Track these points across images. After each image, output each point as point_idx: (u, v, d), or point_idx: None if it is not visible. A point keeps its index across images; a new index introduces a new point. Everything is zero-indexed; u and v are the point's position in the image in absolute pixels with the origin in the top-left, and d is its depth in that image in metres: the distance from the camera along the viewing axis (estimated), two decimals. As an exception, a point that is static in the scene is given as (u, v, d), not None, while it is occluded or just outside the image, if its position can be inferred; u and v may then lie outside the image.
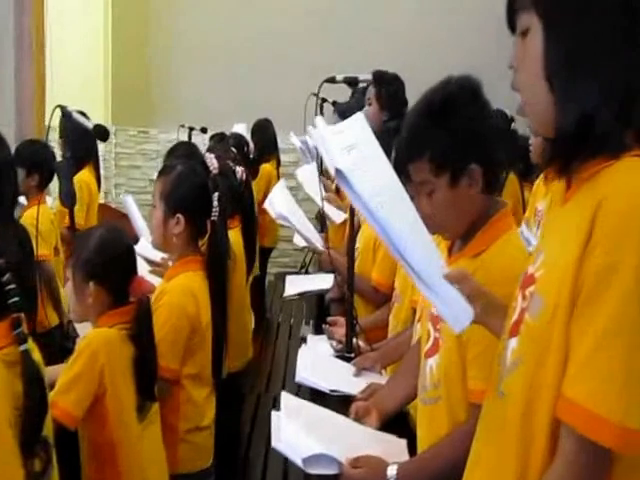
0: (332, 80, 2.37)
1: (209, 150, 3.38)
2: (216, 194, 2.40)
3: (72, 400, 1.82)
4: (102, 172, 7.13)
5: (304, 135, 4.29)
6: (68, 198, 2.33)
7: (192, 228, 2.30)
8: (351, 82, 2.34)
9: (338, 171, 1.15)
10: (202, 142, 4.65)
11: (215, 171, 2.55)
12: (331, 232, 3.74)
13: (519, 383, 1.05)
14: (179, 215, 2.25)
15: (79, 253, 1.96)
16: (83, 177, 4.11)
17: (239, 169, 3.27)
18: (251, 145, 4.64)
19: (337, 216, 3.67)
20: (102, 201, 5.33)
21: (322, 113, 3.51)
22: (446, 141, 1.51)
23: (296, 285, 3.46)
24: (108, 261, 1.97)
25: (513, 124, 4.02)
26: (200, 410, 2.30)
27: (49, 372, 2.06)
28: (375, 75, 2.31)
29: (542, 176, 3.49)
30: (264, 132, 5.38)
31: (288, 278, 3.65)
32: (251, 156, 4.59)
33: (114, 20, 7.00)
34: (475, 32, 6.35)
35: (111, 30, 7.01)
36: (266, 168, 5.37)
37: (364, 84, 2.33)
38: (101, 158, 6.98)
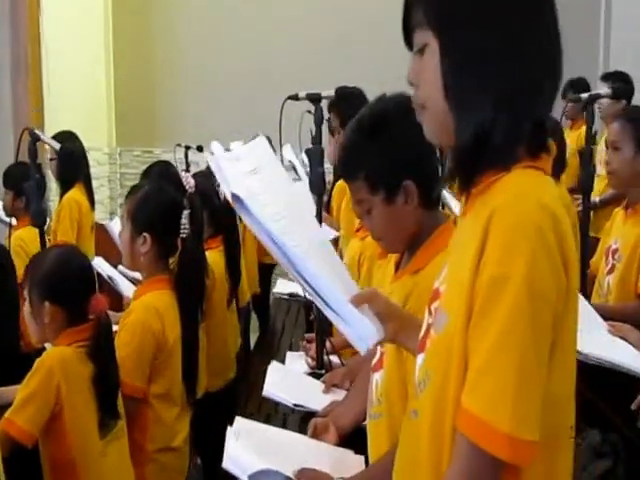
0: (295, 97, 2.38)
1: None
2: (186, 212, 2.41)
3: (26, 418, 1.84)
4: (108, 193, 7.32)
5: (301, 153, 4.30)
6: (38, 217, 2.36)
7: (159, 247, 2.31)
8: (313, 99, 2.34)
9: (234, 196, 1.15)
10: (204, 160, 4.68)
11: (191, 190, 2.57)
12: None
13: (428, 401, 1.04)
14: (145, 234, 2.27)
15: (34, 273, 1.98)
16: (73, 196, 4.15)
17: (222, 190, 3.29)
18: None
19: (329, 233, 3.68)
20: (106, 221, 5.36)
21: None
22: (378, 159, 1.50)
23: (287, 286, 3.49)
24: (63, 280, 1.99)
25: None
26: (170, 430, 2.29)
27: (6, 392, 2.10)
28: (337, 91, 2.32)
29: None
30: None
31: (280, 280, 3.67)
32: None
33: (115, 42, 7.08)
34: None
35: (112, 52, 7.09)
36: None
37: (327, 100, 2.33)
38: (106, 179, 7.11)
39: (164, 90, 7.02)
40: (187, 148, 4.97)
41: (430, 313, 1.08)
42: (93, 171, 6.81)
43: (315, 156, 2.39)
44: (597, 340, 2.01)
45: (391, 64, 6.13)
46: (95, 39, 6.95)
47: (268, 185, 1.30)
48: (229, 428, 1.73)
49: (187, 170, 4.68)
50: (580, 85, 4.70)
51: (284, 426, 2.02)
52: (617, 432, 1.89)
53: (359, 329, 1.17)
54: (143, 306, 2.22)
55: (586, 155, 2.36)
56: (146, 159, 7.10)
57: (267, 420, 2.09)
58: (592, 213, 4.21)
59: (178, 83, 6.99)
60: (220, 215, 3.12)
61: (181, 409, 2.35)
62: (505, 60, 0.99)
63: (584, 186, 2.37)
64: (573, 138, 4.69)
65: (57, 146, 2.50)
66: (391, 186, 1.51)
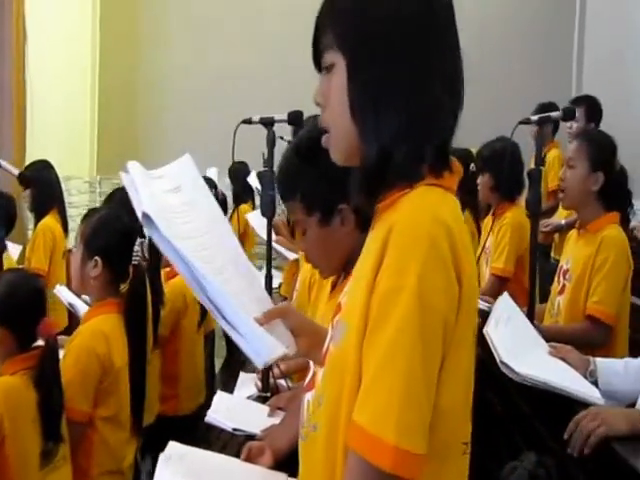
0: (249, 121, 2.40)
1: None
2: (141, 240, 2.44)
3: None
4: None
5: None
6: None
7: (110, 272, 2.32)
8: (266, 123, 2.36)
9: (145, 216, 1.16)
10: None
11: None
12: (286, 271, 3.78)
13: (323, 415, 1.05)
14: (97, 258, 2.29)
15: None
16: (47, 222, 4.23)
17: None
18: (219, 189, 4.73)
19: (289, 254, 3.75)
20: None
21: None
22: (314, 182, 1.52)
23: None
24: (12, 305, 2.03)
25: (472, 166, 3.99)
26: (116, 454, 2.28)
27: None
28: (289, 115, 2.34)
29: (491, 213, 3.51)
30: (239, 175, 5.46)
31: None
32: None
33: (100, 70, 7.16)
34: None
35: (97, 81, 7.16)
36: (244, 209, 5.44)
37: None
38: (86, 207, 7.15)
39: (146, 119, 7.07)
40: (161, 175, 5.04)
41: (332, 327, 1.10)
42: (73, 199, 6.89)
43: (266, 179, 2.41)
44: (535, 361, 2.01)
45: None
46: (78, 68, 7.03)
47: (190, 202, 1.31)
48: (161, 454, 1.73)
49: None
50: (550, 109, 4.75)
51: (223, 450, 2.01)
52: (553, 456, 1.88)
53: (256, 345, 1.18)
54: (89, 330, 2.23)
55: (534, 177, 2.37)
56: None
57: (208, 445, 2.08)
58: (558, 236, 4.27)
59: (160, 112, 7.05)
60: None
61: (130, 434, 2.34)
62: (407, 83, 1.01)
63: (532, 208, 2.38)
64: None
65: (16, 172, 2.54)
66: (327, 209, 1.54)
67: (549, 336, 2.56)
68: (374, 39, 1.02)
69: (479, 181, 3.47)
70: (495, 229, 3.33)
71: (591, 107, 4.33)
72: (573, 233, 2.75)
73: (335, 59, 1.05)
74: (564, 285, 2.64)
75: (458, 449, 1.02)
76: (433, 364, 0.94)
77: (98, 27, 7.23)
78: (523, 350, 2.04)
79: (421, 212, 0.97)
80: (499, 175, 3.26)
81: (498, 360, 1.93)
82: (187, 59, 6.98)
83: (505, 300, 2.29)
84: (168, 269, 3.06)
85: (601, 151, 2.60)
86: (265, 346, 1.18)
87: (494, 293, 3.17)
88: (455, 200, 1.04)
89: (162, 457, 1.71)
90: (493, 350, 1.97)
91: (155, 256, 2.63)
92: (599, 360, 2.10)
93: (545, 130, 2.40)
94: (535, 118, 2.38)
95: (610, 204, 2.63)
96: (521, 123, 2.39)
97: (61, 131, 6.51)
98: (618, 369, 2.05)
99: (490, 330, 2.06)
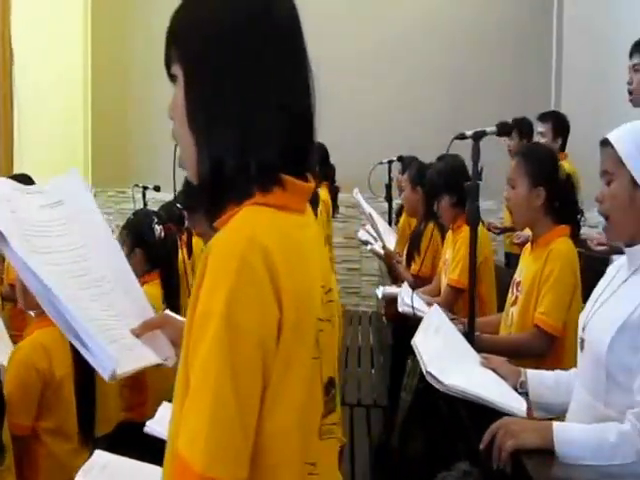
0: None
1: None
2: None
3: None
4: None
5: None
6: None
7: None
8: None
9: None
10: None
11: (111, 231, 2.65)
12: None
13: (169, 434, 1.04)
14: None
15: None
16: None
17: (158, 227, 3.39)
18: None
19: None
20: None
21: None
22: None
23: None
24: None
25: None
26: (64, 465, 2.31)
27: None
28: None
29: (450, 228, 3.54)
30: None
31: None
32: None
33: (93, 83, 7.23)
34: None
35: (91, 94, 7.24)
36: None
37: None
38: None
39: (140, 130, 7.13)
40: (144, 188, 5.08)
41: None
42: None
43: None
44: (463, 372, 2.02)
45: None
46: (70, 81, 7.10)
47: (69, 216, 1.36)
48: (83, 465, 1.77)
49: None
50: (524, 124, 4.80)
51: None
52: (481, 467, 1.89)
53: (100, 357, 1.22)
54: (29, 343, 2.27)
55: (472, 191, 2.40)
56: (120, 199, 7.23)
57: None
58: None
59: (154, 124, 7.10)
60: (156, 251, 3.20)
61: (79, 444, 2.38)
62: (235, 101, 1.03)
63: (470, 220, 2.41)
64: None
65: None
66: None
67: (493, 346, 2.59)
68: (207, 56, 1.04)
69: (437, 208, 3.50)
70: (453, 243, 3.37)
71: (558, 123, 4.38)
72: (528, 247, 2.78)
73: (177, 73, 1.08)
74: (517, 296, 2.66)
75: (299, 470, 1.02)
76: (248, 387, 0.93)
77: (90, 39, 7.30)
78: (451, 361, 2.06)
79: (236, 234, 0.97)
80: (456, 191, 3.31)
81: (424, 370, 1.95)
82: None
83: (435, 312, 2.32)
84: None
85: (539, 165, 2.61)
86: (107, 359, 1.21)
87: (449, 303, 3.23)
88: (288, 217, 1.04)
89: (82, 469, 1.75)
90: (419, 360, 2.00)
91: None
92: (530, 372, 2.11)
93: (476, 146, 2.39)
94: (470, 133, 2.40)
95: (560, 217, 2.64)
96: (456, 138, 2.41)
97: (54, 145, 6.59)
98: (549, 381, 2.06)
99: (417, 341, 2.08)
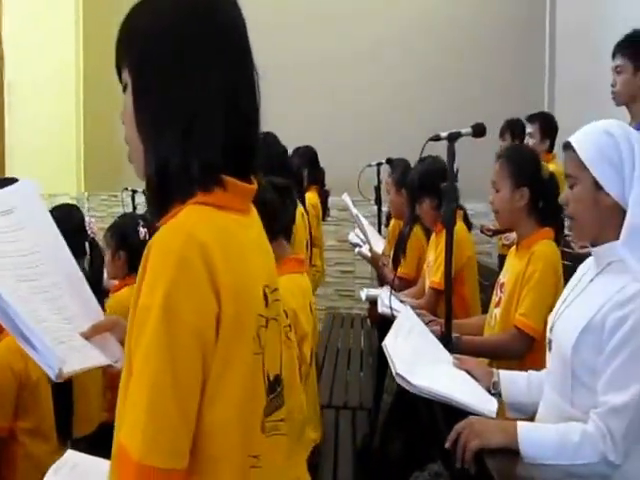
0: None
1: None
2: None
3: None
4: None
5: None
6: None
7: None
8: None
9: None
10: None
11: (93, 235, 2.68)
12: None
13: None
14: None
15: None
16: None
17: (143, 230, 3.41)
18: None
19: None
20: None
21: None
22: None
23: None
24: None
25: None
26: (41, 465, 2.30)
27: None
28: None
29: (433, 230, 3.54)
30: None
31: None
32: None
33: (85, 86, 7.25)
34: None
35: (83, 97, 7.26)
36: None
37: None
38: (88, 222, 7.25)
39: None
40: (133, 192, 5.12)
41: None
42: (60, 216, 6.97)
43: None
44: (434, 373, 2.02)
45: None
46: (64, 84, 7.12)
47: (20, 224, 1.39)
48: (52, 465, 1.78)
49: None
50: (517, 125, 4.81)
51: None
52: (451, 468, 1.91)
53: (47, 358, 1.24)
54: (5, 345, 2.27)
55: (448, 192, 2.41)
56: (112, 203, 7.25)
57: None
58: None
59: None
60: (140, 253, 3.21)
61: (57, 445, 2.39)
62: (179, 103, 1.06)
63: (446, 221, 2.42)
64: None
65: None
66: None
67: (473, 347, 2.60)
68: (150, 60, 1.07)
69: (419, 211, 3.50)
70: (436, 245, 3.37)
71: (546, 124, 4.38)
72: (513, 249, 2.78)
73: (127, 78, 1.12)
74: (500, 298, 2.66)
75: (240, 462, 1.04)
76: (187, 378, 0.96)
77: (82, 42, 7.31)
78: (422, 362, 2.07)
79: (175, 231, 1.00)
80: (436, 193, 3.32)
81: (393, 372, 1.96)
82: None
83: (408, 313, 2.33)
84: (117, 282, 3.14)
85: (522, 166, 2.60)
86: (54, 358, 1.23)
87: (431, 305, 3.23)
88: (229, 217, 1.06)
89: (53, 467, 1.76)
90: (390, 362, 2.01)
91: (95, 272, 2.69)
92: (503, 373, 2.12)
93: (451, 147, 2.40)
94: (445, 134, 2.41)
95: (544, 217, 2.65)
96: (430, 140, 2.42)
97: (45, 148, 6.61)
98: (521, 382, 2.07)
99: (388, 342, 2.09)
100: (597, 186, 1.75)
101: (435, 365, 2.10)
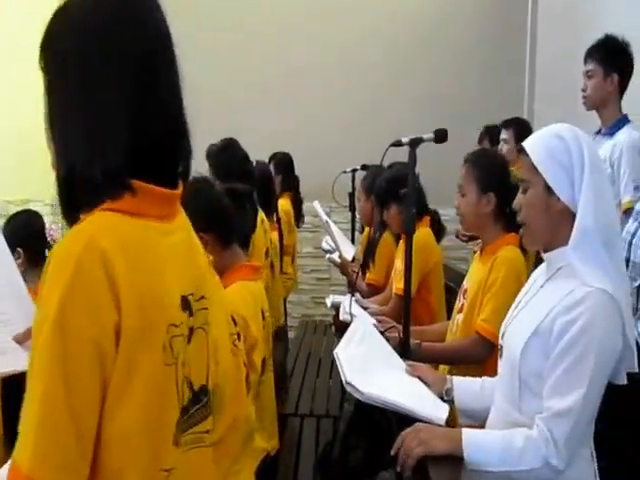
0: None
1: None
2: None
3: None
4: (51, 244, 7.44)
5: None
6: None
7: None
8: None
9: None
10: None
11: (53, 242, 2.66)
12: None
13: None
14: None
15: None
16: None
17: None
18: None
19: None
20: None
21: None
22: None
23: None
24: None
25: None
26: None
27: None
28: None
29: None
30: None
31: None
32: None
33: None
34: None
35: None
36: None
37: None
38: (48, 230, 7.19)
39: None
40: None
41: None
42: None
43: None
44: (385, 381, 1.99)
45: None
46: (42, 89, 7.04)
47: None
48: None
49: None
50: (495, 131, 4.80)
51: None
52: (399, 477, 1.87)
53: None
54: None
55: (408, 197, 2.38)
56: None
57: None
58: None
59: None
60: None
61: (4, 451, 2.34)
62: (83, 108, 1.03)
63: (405, 227, 2.38)
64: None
65: None
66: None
67: (434, 353, 2.57)
68: (57, 63, 1.06)
69: (386, 217, 3.48)
70: (404, 251, 3.34)
71: (520, 130, 4.36)
72: (477, 254, 2.76)
73: (43, 79, 1.09)
74: (463, 304, 2.64)
75: (149, 476, 1.02)
76: (82, 391, 0.94)
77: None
78: (374, 370, 2.04)
79: (75, 239, 0.98)
80: (403, 200, 3.29)
81: (344, 381, 1.93)
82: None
83: (361, 320, 2.29)
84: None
85: (489, 171, 2.58)
86: None
87: (396, 312, 3.18)
88: (140, 223, 1.04)
89: None
90: (340, 371, 1.97)
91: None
92: (456, 379, 2.10)
93: (412, 152, 2.37)
94: (406, 140, 2.38)
95: (511, 223, 2.62)
96: (392, 145, 2.38)
97: (20, 154, 6.54)
98: (474, 388, 2.05)
99: (339, 350, 2.06)
100: (549, 190, 1.74)
101: (387, 372, 2.07)
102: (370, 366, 2.05)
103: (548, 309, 1.68)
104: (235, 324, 1.87)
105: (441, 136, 2.42)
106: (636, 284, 2.62)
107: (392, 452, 1.75)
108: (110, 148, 1.02)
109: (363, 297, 3.69)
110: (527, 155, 1.77)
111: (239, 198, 2.56)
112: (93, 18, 1.05)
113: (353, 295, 2.78)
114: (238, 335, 1.88)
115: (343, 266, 4.04)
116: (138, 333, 0.97)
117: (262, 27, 6.76)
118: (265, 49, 6.79)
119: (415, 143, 2.39)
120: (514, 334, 1.80)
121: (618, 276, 1.69)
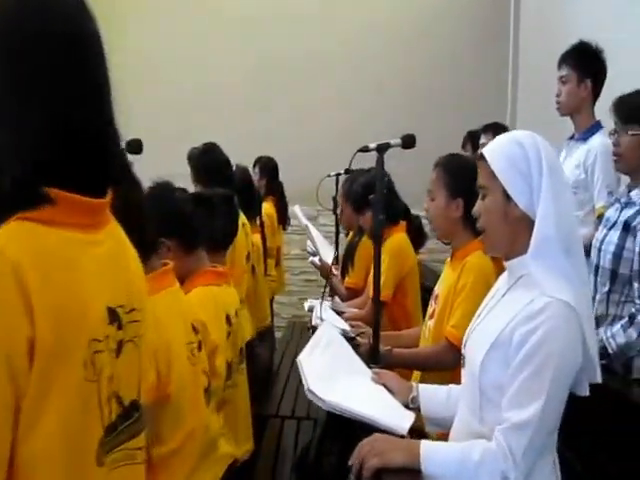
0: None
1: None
2: None
3: None
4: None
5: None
6: None
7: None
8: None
9: None
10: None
11: None
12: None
13: None
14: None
15: None
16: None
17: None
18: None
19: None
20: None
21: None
22: None
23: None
24: None
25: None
26: None
27: None
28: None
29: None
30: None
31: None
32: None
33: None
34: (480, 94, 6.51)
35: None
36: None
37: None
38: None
39: None
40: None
41: None
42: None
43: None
44: (349, 389, 1.97)
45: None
46: None
47: None
48: None
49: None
50: (477, 138, 4.80)
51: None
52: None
53: None
54: None
55: (376, 203, 2.37)
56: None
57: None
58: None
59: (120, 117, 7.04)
60: None
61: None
62: (12, 104, 0.99)
63: (373, 232, 2.38)
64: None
65: None
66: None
67: (405, 359, 2.57)
68: None
69: (362, 222, 3.47)
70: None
71: (499, 134, 4.36)
72: (448, 260, 2.76)
73: None
74: (434, 309, 2.63)
75: None
76: None
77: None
78: (338, 377, 2.02)
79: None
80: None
81: (305, 388, 1.92)
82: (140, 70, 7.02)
83: (326, 327, 2.29)
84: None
85: (458, 176, 2.56)
86: None
87: (372, 317, 3.17)
88: (60, 233, 1.00)
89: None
90: (302, 378, 1.96)
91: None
92: (422, 386, 2.08)
93: (379, 158, 2.37)
94: (373, 146, 2.38)
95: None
96: (360, 151, 2.38)
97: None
98: (441, 396, 2.03)
99: (302, 358, 2.05)
100: (507, 197, 1.72)
101: (351, 380, 2.06)
102: (334, 373, 2.03)
103: (508, 319, 1.66)
104: (196, 332, 1.87)
105: (409, 142, 2.42)
106: (605, 289, 2.62)
107: (350, 463, 1.73)
108: (23, 158, 0.98)
109: (342, 300, 3.69)
110: (485, 162, 1.76)
111: (207, 202, 2.56)
112: (14, 15, 1.00)
113: (324, 299, 2.77)
114: (199, 344, 1.88)
115: (323, 269, 4.03)
116: (54, 348, 0.93)
117: (243, 29, 6.79)
118: (246, 50, 6.82)
119: (382, 149, 2.39)
120: (475, 344, 1.79)
121: (579, 285, 1.68)
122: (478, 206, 1.82)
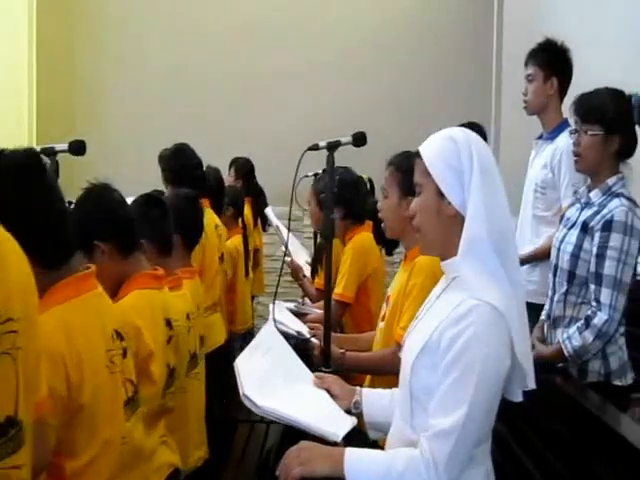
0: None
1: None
2: None
3: None
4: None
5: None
6: None
7: None
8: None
9: None
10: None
11: None
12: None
13: None
14: None
15: None
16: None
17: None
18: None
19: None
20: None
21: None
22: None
23: None
24: None
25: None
26: None
27: None
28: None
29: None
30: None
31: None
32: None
33: (39, 43, 7.09)
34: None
35: (35, 60, 7.10)
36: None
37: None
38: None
39: (85, 90, 7.09)
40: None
41: None
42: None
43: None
44: (286, 394, 1.92)
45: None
46: (15, 40, 6.95)
47: None
48: None
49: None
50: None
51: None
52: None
53: None
54: None
55: (328, 202, 2.33)
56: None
57: None
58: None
59: (100, 82, 7.06)
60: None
61: None
62: None
63: (324, 232, 2.34)
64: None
65: None
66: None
67: (358, 363, 2.52)
68: None
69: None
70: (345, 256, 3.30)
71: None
72: (402, 261, 2.70)
73: None
74: (386, 312, 2.58)
75: None
76: None
77: (35, 10, 7.13)
78: (276, 382, 1.97)
79: None
80: (344, 205, 3.26)
81: (240, 392, 1.87)
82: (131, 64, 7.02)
83: (268, 330, 2.24)
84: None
85: (410, 175, 2.51)
86: None
87: (335, 318, 3.13)
88: None
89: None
90: (238, 382, 1.92)
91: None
92: (365, 391, 2.03)
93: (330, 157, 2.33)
94: (323, 144, 2.33)
95: None
96: (310, 149, 2.34)
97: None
98: (384, 400, 1.97)
99: (240, 361, 2.01)
100: (440, 194, 1.67)
101: (291, 385, 2.00)
102: (272, 378, 1.98)
103: (438, 322, 1.62)
104: (121, 339, 1.80)
105: (359, 140, 2.38)
106: (563, 290, 2.57)
107: (277, 472, 1.68)
108: None
109: (312, 301, 3.65)
110: (421, 158, 1.71)
111: (156, 204, 2.50)
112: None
113: (276, 300, 2.71)
114: (125, 350, 1.81)
115: (294, 271, 3.99)
116: None
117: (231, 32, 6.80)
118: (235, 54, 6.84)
119: (332, 147, 2.35)
120: (408, 348, 1.73)
121: (510, 287, 1.62)
122: (414, 204, 1.76)
